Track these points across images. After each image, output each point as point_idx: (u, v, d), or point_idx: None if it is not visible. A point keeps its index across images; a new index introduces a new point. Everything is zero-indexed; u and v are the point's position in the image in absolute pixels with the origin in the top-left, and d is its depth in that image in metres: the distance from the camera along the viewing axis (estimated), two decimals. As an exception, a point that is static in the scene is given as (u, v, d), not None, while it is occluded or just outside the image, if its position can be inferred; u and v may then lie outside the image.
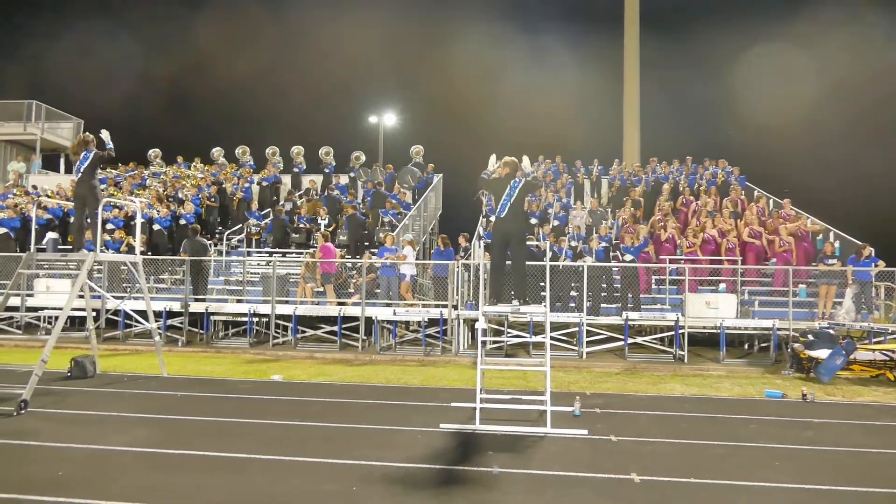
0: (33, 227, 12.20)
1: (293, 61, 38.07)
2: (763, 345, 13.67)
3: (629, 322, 13.10)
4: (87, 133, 9.88)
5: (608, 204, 19.80)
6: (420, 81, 39.21)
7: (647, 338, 13.60)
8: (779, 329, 12.58)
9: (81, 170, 9.49)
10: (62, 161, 26.22)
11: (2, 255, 16.16)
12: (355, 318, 13.80)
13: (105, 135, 9.57)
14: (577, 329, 13.16)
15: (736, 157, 21.28)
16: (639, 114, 27.81)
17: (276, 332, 14.15)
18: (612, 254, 15.12)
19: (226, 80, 38.97)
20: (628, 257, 14.01)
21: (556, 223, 17.43)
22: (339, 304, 14.34)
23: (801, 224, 15.25)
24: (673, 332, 12.96)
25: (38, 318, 15.17)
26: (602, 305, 13.76)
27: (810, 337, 11.27)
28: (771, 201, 17.98)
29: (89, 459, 5.99)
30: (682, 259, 14.44)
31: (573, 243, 14.94)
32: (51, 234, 17.31)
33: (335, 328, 13.83)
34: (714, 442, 6.83)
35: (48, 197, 19.21)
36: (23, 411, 7.54)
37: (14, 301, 14.63)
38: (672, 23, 32.14)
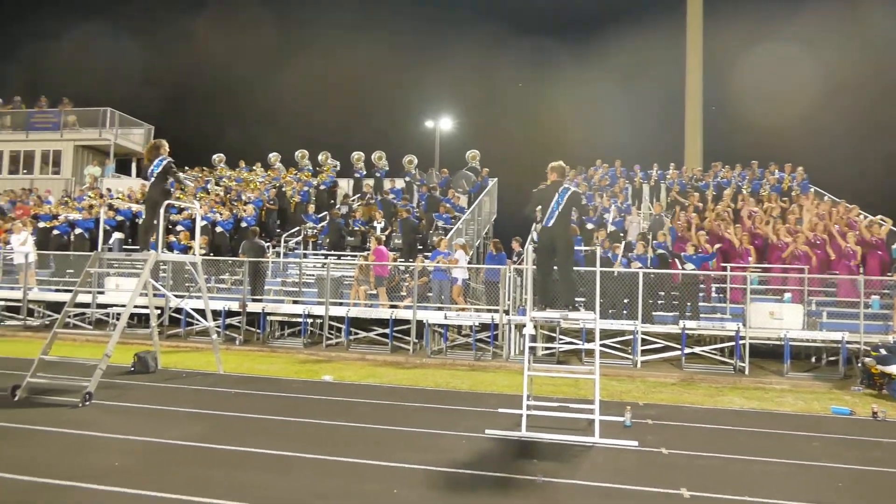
0: (101, 227, 12.74)
1: (349, 68, 38.79)
2: (832, 358, 12.95)
3: (686, 332, 12.67)
4: (160, 139, 10.30)
5: (667, 210, 19.28)
6: (476, 85, 39.27)
7: (705, 348, 13.14)
8: (848, 342, 11.90)
9: (155, 174, 9.89)
10: (133, 165, 27.52)
11: (77, 255, 17.11)
12: (407, 321, 13.88)
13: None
14: (631, 337, 12.84)
15: (800, 159, 20.37)
16: (701, 117, 27.00)
17: (329, 333, 14.37)
18: (669, 261, 14.65)
19: (285, 86, 39.99)
20: (689, 266, 13.55)
21: (612, 228, 17.08)
22: (392, 306, 14.46)
23: (873, 230, 14.39)
24: (733, 343, 12.47)
25: (108, 315, 15.93)
26: (659, 314, 13.36)
27: (883, 351, 10.64)
28: (841, 206, 17.07)
29: (145, 451, 6.22)
30: (752, 266, 13.87)
31: (630, 253, 14.56)
32: (117, 235, 18.13)
33: (387, 331, 13.93)
34: (772, 459, 6.49)
35: (119, 199, 20.17)
36: (87, 403, 7.91)
37: (86, 298, 15.42)
38: (737, 17, 30.88)
